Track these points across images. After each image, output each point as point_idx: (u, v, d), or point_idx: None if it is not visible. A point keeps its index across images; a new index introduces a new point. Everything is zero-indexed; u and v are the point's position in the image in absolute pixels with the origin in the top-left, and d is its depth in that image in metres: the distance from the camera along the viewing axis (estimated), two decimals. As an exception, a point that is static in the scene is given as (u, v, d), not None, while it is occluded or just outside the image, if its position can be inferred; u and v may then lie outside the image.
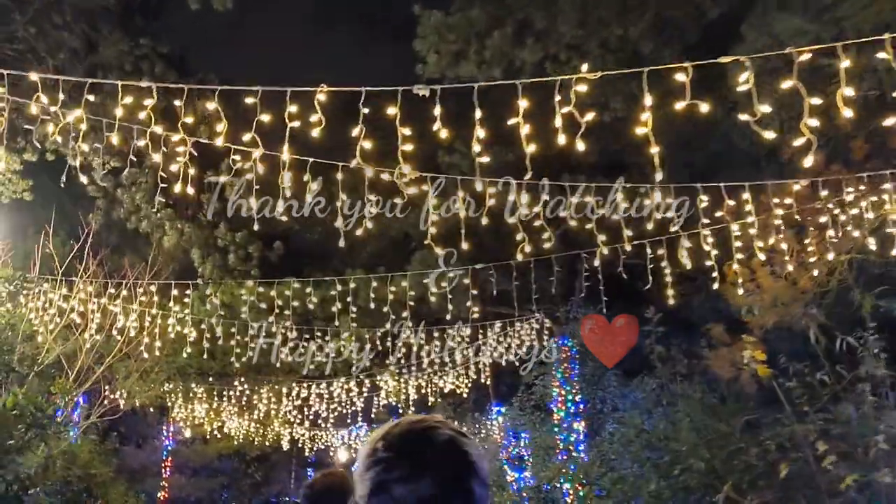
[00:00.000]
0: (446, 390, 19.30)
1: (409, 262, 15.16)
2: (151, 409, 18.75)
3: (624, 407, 13.87)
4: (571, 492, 13.78)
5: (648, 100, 4.21)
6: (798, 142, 4.04)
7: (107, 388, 14.63)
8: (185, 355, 12.24)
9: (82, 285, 10.94)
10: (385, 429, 1.51)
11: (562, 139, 4.37)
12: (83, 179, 6.74)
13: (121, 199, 9.17)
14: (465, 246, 6.69)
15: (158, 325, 11.50)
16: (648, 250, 8.43)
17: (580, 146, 4.33)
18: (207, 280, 9.50)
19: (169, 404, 17.97)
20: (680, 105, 4.17)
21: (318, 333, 13.57)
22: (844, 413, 8.13)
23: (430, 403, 19.52)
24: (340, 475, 3.79)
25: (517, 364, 16.21)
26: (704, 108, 4.14)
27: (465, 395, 19.70)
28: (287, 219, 6.09)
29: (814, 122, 3.84)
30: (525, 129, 4.47)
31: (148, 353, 11.87)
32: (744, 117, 4.04)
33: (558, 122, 4.35)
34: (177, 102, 4.87)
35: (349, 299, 11.63)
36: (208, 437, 22.21)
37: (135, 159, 5.67)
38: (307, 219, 16.09)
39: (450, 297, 11.67)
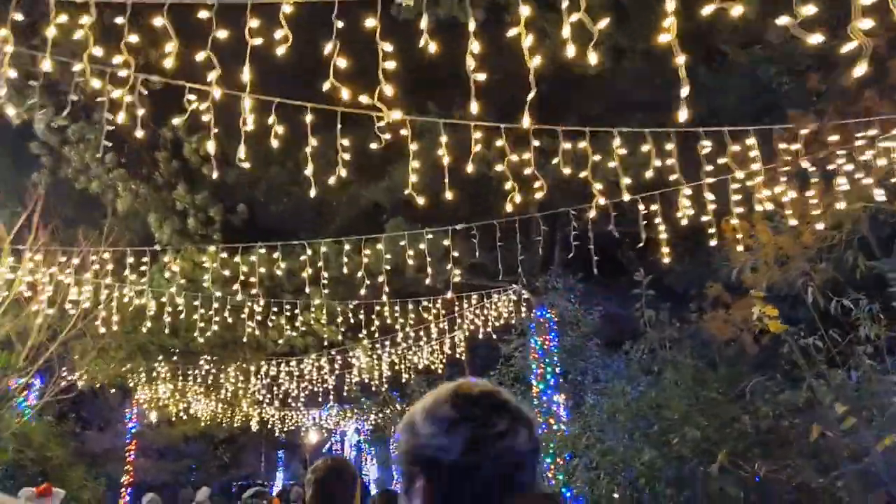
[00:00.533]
0: (420, 366, 18.77)
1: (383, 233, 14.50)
2: (113, 391, 17.95)
3: (606, 377, 13.41)
4: (553, 466, 13.33)
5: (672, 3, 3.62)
6: (846, 47, 3.47)
7: (64, 367, 13.83)
8: (144, 330, 11.50)
9: (30, 255, 10.12)
10: (455, 389, 1.50)
11: (570, 51, 3.75)
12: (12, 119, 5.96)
13: (68, 157, 8.35)
14: (448, 195, 6.06)
15: (115, 297, 10.74)
16: (641, 206, 7.87)
17: (592, 59, 3.72)
18: (165, 246, 8.74)
19: (131, 385, 17.16)
20: (708, 9, 3.58)
21: (287, 306, 12.88)
22: (839, 377, 7.73)
23: (403, 381, 18.97)
24: (345, 459, 4.04)
25: (494, 337, 15.69)
26: (737, 10, 3.55)
27: (440, 371, 19.17)
28: (249, 165, 5.41)
29: (866, 24, 3.27)
30: (528, 41, 3.84)
31: (105, 329, 11.10)
32: (783, 20, 3.46)
33: (566, 32, 3.73)
34: (119, 20, 4.16)
35: (320, 265, 11.00)
36: (174, 418, 21.43)
37: (76, 98, 4.93)
38: (272, 189, 15.38)
39: (428, 259, 11.05)
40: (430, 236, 9.13)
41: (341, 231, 15.41)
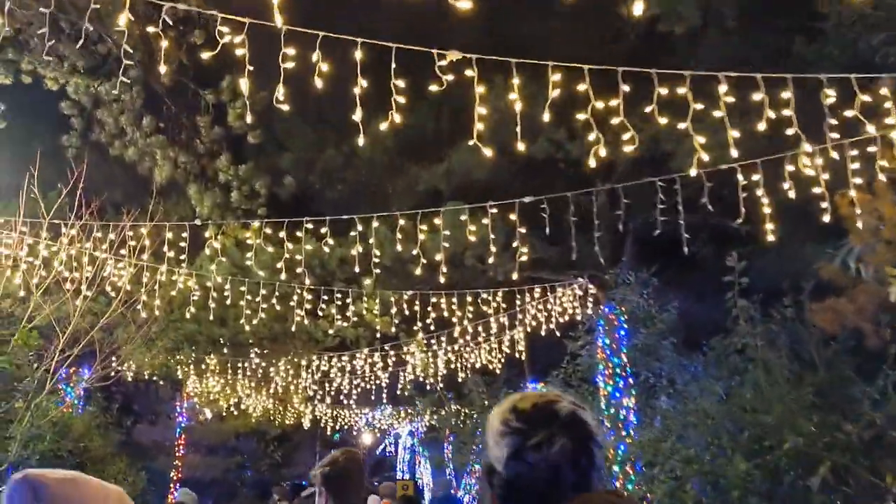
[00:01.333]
0: (478, 365, 17.84)
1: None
2: (161, 383, 17.48)
3: (683, 379, 12.25)
4: (621, 475, 12.24)
5: None
6: None
7: (106, 354, 13.32)
8: (188, 316, 10.86)
9: (74, 233, 9.49)
10: (512, 403, 1.66)
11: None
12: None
13: (102, 120, 7.71)
14: (520, 146, 5.12)
15: (158, 280, 10.11)
16: (740, 176, 6.77)
17: None
18: (206, 220, 8.03)
19: (180, 377, 16.65)
20: None
21: (339, 295, 12.10)
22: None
23: (460, 380, 18.06)
24: (357, 454, 3.93)
25: (557, 335, 14.65)
26: None
27: (497, 372, 18.22)
28: (288, 108, 4.58)
29: None
30: None
31: (147, 314, 10.48)
32: None
33: None
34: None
35: (374, 251, 10.18)
36: (224, 413, 20.94)
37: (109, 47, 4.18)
38: (326, 174, 14.66)
39: (491, 237, 10.11)
40: (493, 210, 8.19)
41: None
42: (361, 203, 15.67)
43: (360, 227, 7.70)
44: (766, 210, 6.78)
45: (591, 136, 5.12)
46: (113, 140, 7.54)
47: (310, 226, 7.78)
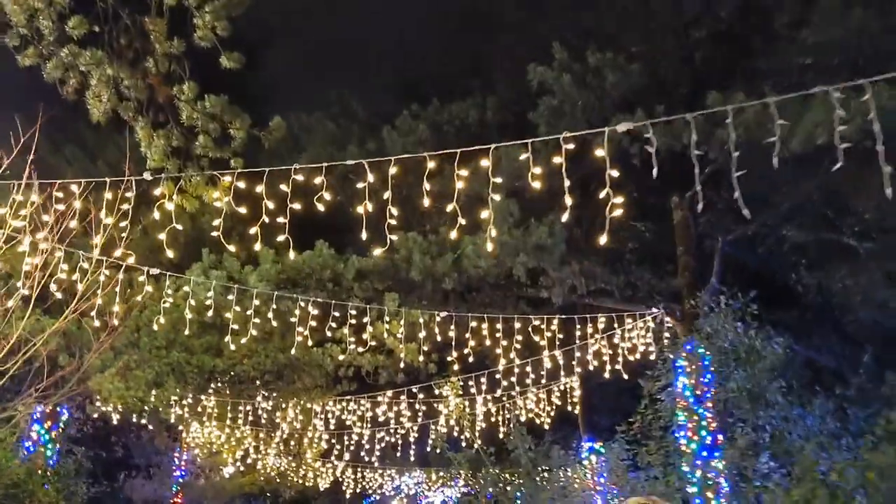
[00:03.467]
0: (522, 417, 14.99)
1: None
2: (150, 428, 14.92)
3: (796, 435, 9.35)
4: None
5: None
6: None
7: (72, 382, 10.91)
8: (155, 328, 8.44)
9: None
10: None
11: None
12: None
13: (7, 14, 5.36)
14: None
15: (112, 273, 7.71)
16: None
17: None
18: (156, 171, 5.64)
19: (172, 420, 14.08)
20: None
21: (353, 312, 9.55)
22: None
23: (500, 435, 15.18)
24: None
25: (625, 377, 11.83)
26: None
27: (546, 427, 15.33)
28: None
29: None
30: None
31: (101, 324, 8.08)
32: None
33: None
34: None
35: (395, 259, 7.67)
36: (229, 468, 18.24)
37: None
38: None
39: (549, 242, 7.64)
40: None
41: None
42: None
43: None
44: None
45: None
46: (24, 45, 5.28)
47: (299, 177, 5.31)
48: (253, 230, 5.53)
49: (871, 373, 11.03)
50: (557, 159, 4.80)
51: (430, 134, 11.30)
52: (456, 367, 10.66)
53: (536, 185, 4.83)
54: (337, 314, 9.46)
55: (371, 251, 10.48)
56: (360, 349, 9.65)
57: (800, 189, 11.88)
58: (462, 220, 5.06)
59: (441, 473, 20.74)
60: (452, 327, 10.28)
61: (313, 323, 9.29)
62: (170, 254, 5.67)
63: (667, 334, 11.71)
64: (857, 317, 11.61)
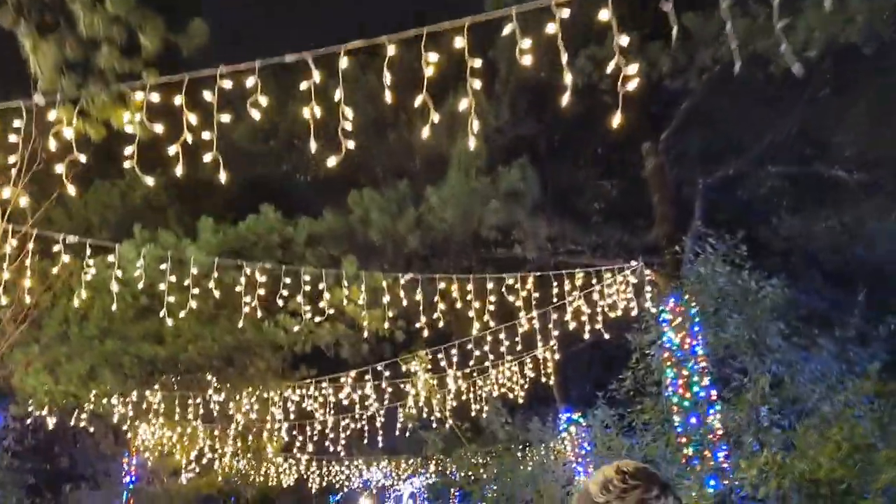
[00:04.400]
0: (496, 393, 14.09)
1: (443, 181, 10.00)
2: (89, 430, 13.62)
3: (801, 380, 8.56)
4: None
5: None
6: None
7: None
8: (76, 303, 7.30)
9: None
10: (616, 467, 1.86)
11: None
12: None
13: None
14: None
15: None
16: None
17: None
18: (48, 92, 4.55)
19: (115, 418, 12.81)
20: None
21: (307, 278, 8.50)
22: None
23: (473, 413, 14.24)
24: None
25: (606, 336, 10.95)
26: None
27: (520, 401, 14.46)
28: None
29: None
30: None
31: (8, 300, 6.89)
32: None
33: None
34: None
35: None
36: (184, 470, 16.97)
37: None
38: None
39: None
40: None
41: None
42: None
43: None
44: None
45: None
46: None
47: (227, 84, 4.25)
48: (173, 150, 4.45)
49: (866, 314, 10.37)
50: (551, 27, 3.83)
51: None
52: (426, 334, 9.68)
53: (527, 60, 3.85)
54: (288, 281, 8.39)
55: (323, 215, 9.46)
56: (318, 318, 8.56)
57: (777, 127, 11.18)
58: (435, 117, 4.04)
59: (411, 462, 19.75)
60: (419, 291, 9.30)
61: (261, 292, 8.21)
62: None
63: (648, 288, 10.88)
64: (845, 257, 10.92)
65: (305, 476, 19.60)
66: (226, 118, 4.45)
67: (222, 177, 4.48)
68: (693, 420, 9.79)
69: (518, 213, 9.30)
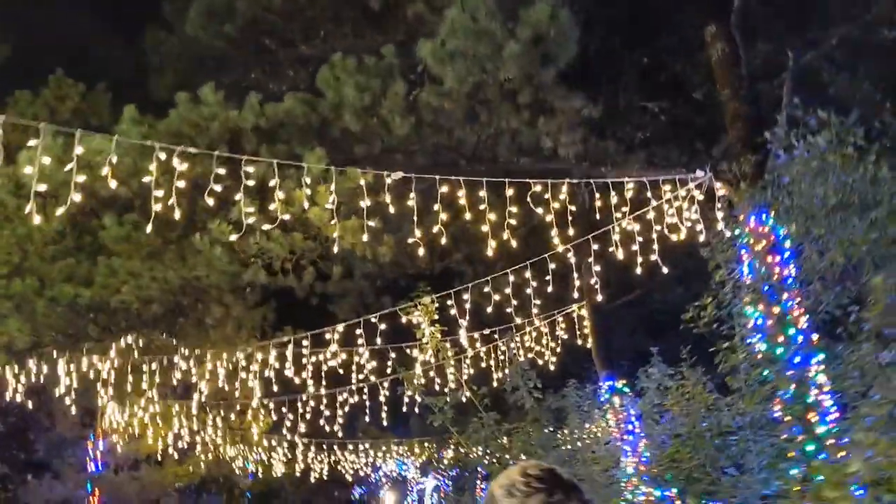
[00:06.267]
0: (520, 356, 11.57)
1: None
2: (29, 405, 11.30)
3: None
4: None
5: None
6: None
7: None
8: None
9: None
10: (521, 468, 1.81)
11: None
12: None
13: None
14: None
15: None
16: None
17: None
18: None
19: (41, 379, 10.45)
20: None
21: (249, 169, 5.97)
22: None
23: (494, 383, 11.66)
24: None
25: (659, 264, 8.26)
26: None
27: (551, 366, 11.93)
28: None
29: None
30: None
31: None
32: None
33: None
34: None
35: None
36: (160, 456, 14.62)
37: None
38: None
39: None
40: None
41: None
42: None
43: None
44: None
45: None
46: None
47: None
48: None
49: None
50: None
51: None
52: (425, 263, 7.16)
53: None
54: (223, 172, 5.88)
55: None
56: (268, 226, 6.06)
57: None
58: None
59: (426, 444, 17.15)
60: (412, 195, 6.76)
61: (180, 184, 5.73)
62: None
63: (718, 205, 8.24)
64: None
65: (303, 464, 17.02)
66: None
67: None
68: (793, 369, 7.13)
69: (546, 76, 6.71)
